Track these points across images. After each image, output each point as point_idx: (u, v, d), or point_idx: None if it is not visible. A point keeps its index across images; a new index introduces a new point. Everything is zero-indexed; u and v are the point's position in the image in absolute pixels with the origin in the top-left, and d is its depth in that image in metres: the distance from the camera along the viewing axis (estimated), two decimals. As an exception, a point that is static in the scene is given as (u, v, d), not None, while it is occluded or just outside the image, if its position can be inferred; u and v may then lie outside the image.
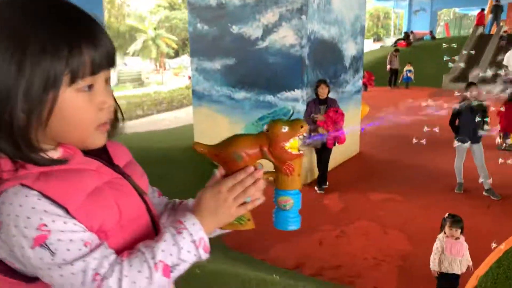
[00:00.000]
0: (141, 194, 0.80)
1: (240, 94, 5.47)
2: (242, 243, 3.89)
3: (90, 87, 0.68)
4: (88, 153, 0.75)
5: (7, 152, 0.65)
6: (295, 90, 5.05)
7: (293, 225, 0.87)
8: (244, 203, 0.79)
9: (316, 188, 5.12)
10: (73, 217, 0.66)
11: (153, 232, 0.80)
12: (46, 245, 0.63)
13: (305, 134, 0.82)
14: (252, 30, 5.20)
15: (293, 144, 0.80)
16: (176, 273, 0.71)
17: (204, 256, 0.75)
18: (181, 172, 5.20)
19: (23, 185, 0.64)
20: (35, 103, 0.64)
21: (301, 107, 4.98)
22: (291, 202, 0.84)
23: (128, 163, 0.84)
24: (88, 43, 0.65)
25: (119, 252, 0.70)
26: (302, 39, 4.89)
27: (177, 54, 33.27)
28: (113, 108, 0.75)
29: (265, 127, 0.81)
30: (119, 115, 0.80)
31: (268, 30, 5.09)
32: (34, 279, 0.69)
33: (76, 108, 0.67)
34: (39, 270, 0.65)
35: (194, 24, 5.71)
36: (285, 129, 0.79)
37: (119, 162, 0.81)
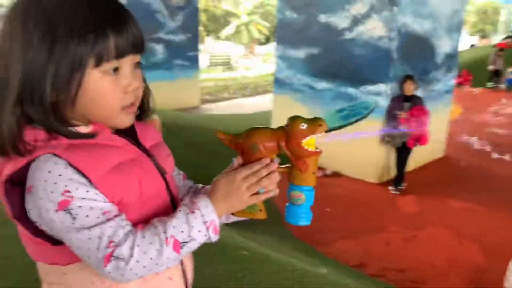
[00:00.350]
0: (162, 173, 0.85)
1: (321, 84, 5.41)
2: (307, 233, 3.90)
3: (116, 70, 0.73)
4: (117, 132, 0.81)
5: (42, 124, 0.71)
6: (379, 84, 4.87)
7: (304, 221, 0.87)
8: (257, 193, 0.82)
9: (391, 188, 4.94)
10: (95, 187, 0.71)
11: (171, 210, 0.84)
12: (68, 209, 0.69)
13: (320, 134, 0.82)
14: (340, 20, 5.09)
15: (310, 142, 0.81)
16: (186, 250, 0.75)
17: (214, 238, 0.78)
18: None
19: (53, 154, 0.70)
20: (63, 83, 0.70)
21: (384, 102, 4.79)
22: (303, 198, 0.85)
23: (155, 144, 0.88)
24: (114, 29, 0.70)
25: (136, 225, 0.75)
26: (391, 32, 4.69)
27: (267, 40, 33.56)
28: (141, 91, 0.79)
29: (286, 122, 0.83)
30: (150, 99, 0.86)
31: (356, 21, 4.95)
32: (59, 242, 0.74)
33: (102, 90, 0.72)
34: (61, 232, 0.71)
35: (283, 11, 5.72)
36: (304, 126, 0.80)
37: (145, 142, 0.85)
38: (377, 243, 3.77)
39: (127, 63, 0.74)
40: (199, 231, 0.76)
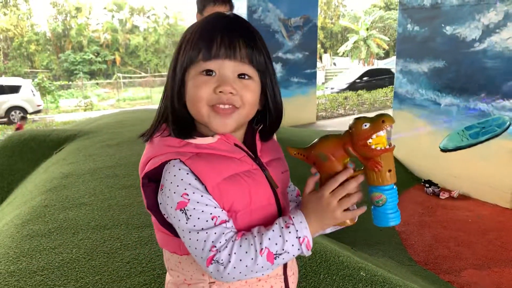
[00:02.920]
0: (273, 187, 0.90)
1: (447, 100, 5.06)
2: (429, 259, 3.65)
3: (210, 73, 0.82)
4: (243, 142, 0.91)
5: (173, 131, 0.85)
6: (516, 99, 4.40)
7: (393, 221, 0.83)
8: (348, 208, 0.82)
9: (530, 214, 4.38)
10: (210, 194, 0.80)
11: None
12: (184, 210, 0.79)
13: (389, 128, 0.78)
14: (469, 31, 4.73)
15: (379, 140, 0.78)
16: (280, 261, 0.80)
17: (307, 253, 0.82)
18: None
19: (180, 160, 0.81)
20: (178, 85, 0.85)
21: (521, 119, 4.30)
22: (384, 198, 0.82)
23: (273, 159, 0.94)
24: (209, 38, 0.82)
25: (240, 231, 0.83)
26: (531, 41, 4.22)
27: (387, 54, 32.47)
28: (237, 98, 0.83)
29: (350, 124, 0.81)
30: (272, 114, 0.92)
31: (488, 31, 4.56)
32: None
33: (193, 87, 0.83)
34: (177, 228, 0.82)
35: (404, 24, 5.52)
36: (366, 125, 0.78)
37: (264, 156, 0.92)
38: (512, 277, 3.37)
39: (225, 68, 0.82)
40: (292, 245, 0.80)
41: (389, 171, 0.81)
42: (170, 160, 0.82)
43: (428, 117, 5.29)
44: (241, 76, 0.83)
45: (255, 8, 8.14)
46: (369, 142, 0.79)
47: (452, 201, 4.88)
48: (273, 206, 0.89)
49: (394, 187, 0.83)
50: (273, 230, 0.80)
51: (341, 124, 10.10)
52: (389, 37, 30.90)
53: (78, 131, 5.43)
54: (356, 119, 0.82)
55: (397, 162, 5.70)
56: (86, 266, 2.20)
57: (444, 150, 5.02)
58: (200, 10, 2.14)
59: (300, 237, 0.80)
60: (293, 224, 0.81)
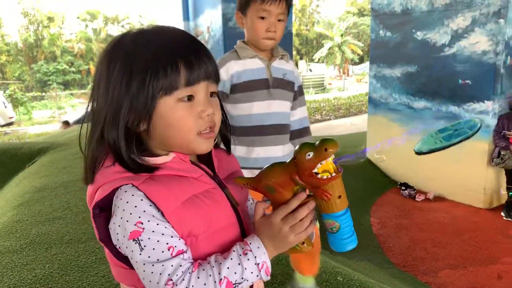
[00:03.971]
0: (234, 205, 0.87)
1: (420, 104, 5.17)
2: (407, 261, 3.70)
3: (190, 98, 0.79)
4: (198, 158, 0.87)
5: (119, 153, 0.77)
6: (485, 101, 4.52)
7: (349, 245, 0.82)
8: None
9: (503, 214, 4.49)
10: (167, 220, 0.75)
11: (241, 240, 0.85)
12: (138, 240, 0.74)
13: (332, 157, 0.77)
14: (439, 36, 4.86)
15: (325, 167, 0.76)
16: None
17: (266, 278, 0.80)
18: (351, 179, 5.20)
19: (133, 185, 0.75)
20: (140, 114, 0.77)
21: (491, 121, 4.43)
22: (337, 225, 0.80)
23: (231, 174, 0.91)
24: (184, 60, 0.77)
25: (205, 256, 0.79)
26: (497, 45, 4.35)
27: (362, 60, 33.00)
28: (218, 117, 0.83)
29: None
30: (226, 127, 0.90)
31: (457, 36, 4.68)
32: None
33: (176, 116, 0.78)
34: (131, 259, 0.77)
35: (377, 30, 5.63)
36: (310, 155, 0.76)
37: (221, 172, 0.89)
38: (487, 276, 3.44)
39: (201, 91, 0.80)
40: (252, 272, 0.77)
41: (339, 197, 0.79)
42: (121, 186, 0.76)
43: (402, 121, 5.39)
44: (212, 94, 0.83)
45: (230, 16, 8.16)
46: (315, 172, 0.76)
47: (428, 203, 4.96)
48: (235, 226, 0.86)
49: (347, 211, 0.81)
50: (231, 259, 0.77)
51: (317, 131, 10.19)
52: (363, 43, 31.44)
53: (51, 143, 5.33)
54: (300, 147, 0.79)
55: (373, 165, 5.78)
56: (60, 281, 2.14)
57: (419, 153, 5.11)
58: (242, 8, 1.74)
59: (259, 263, 0.78)
60: (250, 250, 0.78)
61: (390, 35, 5.44)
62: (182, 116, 0.78)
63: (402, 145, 5.34)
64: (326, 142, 0.76)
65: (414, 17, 5.10)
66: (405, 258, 3.74)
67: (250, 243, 0.79)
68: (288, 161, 0.81)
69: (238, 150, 1.73)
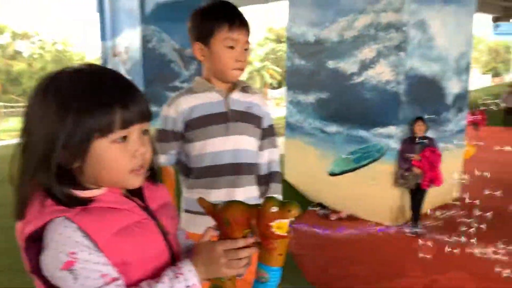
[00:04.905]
0: (165, 234, 0.91)
1: (332, 128, 5.47)
2: (323, 279, 3.83)
3: (124, 138, 0.82)
4: (129, 192, 0.88)
5: (52, 189, 0.78)
6: (389, 126, 4.91)
7: None
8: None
9: (407, 230, 4.85)
10: (100, 251, 0.78)
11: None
12: (71, 270, 0.76)
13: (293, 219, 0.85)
14: (349, 66, 5.22)
15: (281, 225, 0.84)
16: None
17: None
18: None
19: (66, 217, 0.78)
20: (73, 152, 0.79)
21: (395, 145, 4.81)
22: (267, 277, 0.87)
23: (162, 205, 0.95)
24: (120, 103, 0.80)
25: (137, 282, 0.82)
26: (398, 76, 4.78)
27: (280, 85, 34.15)
28: (149, 155, 0.87)
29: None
30: (155, 161, 0.93)
31: (364, 66, 5.07)
32: None
33: (110, 156, 0.81)
34: None
35: (292, 58, 5.90)
36: (275, 209, 0.83)
37: (153, 203, 0.93)
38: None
39: (134, 131, 0.83)
40: None
41: (280, 255, 0.87)
42: (54, 219, 0.78)
43: (317, 144, 5.65)
44: (144, 132, 0.85)
45: (149, 38, 8.07)
46: (272, 225, 0.83)
47: (341, 222, 5.20)
48: (165, 255, 0.90)
49: (280, 270, 0.88)
50: (163, 282, 0.82)
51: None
52: (281, 68, 32.65)
53: None
54: (268, 199, 0.86)
55: (291, 187, 5.96)
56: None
57: (332, 174, 5.38)
58: (204, 38, 1.56)
59: (189, 286, 0.83)
60: (182, 273, 0.83)
61: (304, 63, 5.73)
62: (116, 156, 0.81)
63: (317, 166, 5.59)
64: (292, 205, 0.84)
65: (326, 47, 5.43)
66: (322, 277, 3.87)
67: (182, 266, 0.84)
68: (254, 204, 0.87)
69: (196, 193, 1.59)
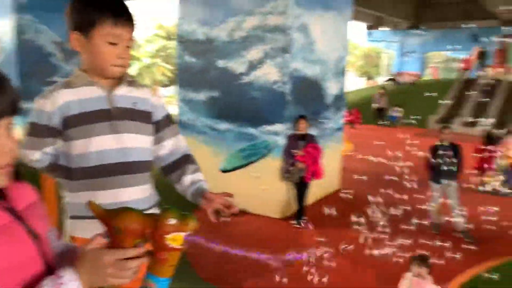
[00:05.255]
0: (35, 238, 0.83)
1: (223, 126, 5.58)
2: (215, 274, 3.89)
3: None
4: None
5: None
6: (276, 124, 5.17)
7: None
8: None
9: (293, 222, 5.16)
10: None
11: (44, 275, 0.83)
12: None
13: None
14: (237, 65, 5.37)
15: (176, 237, 0.83)
16: None
17: None
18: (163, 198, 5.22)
19: None
20: None
21: (282, 141, 5.08)
22: (154, 287, 0.86)
23: (29, 205, 0.87)
24: None
25: None
26: (284, 76, 5.06)
27: (171, 83, 33.59)
28: (16, 152, 0.80)
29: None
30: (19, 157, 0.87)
31: (252, 66, 5.26)
32: None
33: None
34: None
35: (183, 55, 5.88)
36: (172, 221, 0.83)
37: (19, 204, 0.84)
38: (289, 279, 3.88)
39: (2, 125, 0.77)
40: None
41: (171, 266, 0.86)
42: None
43: (209, 142, 5.71)
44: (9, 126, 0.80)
45: (24, 29, 7.38)
46: (167, 237, 0.82)
47: (233, 217, 5.33)
48: (36, 259, 0.82)
49: (168, 281, 0.87)
50: None
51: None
52: (172, 66, 32.11)
53: None
54: (168, 210, 0.83)
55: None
56: None
57: (224, 171, 5.49)
58: (83, 28, 1.43)
59: None
60: (62, 283, 0.78)
61: (194, 61, 5.75)
62: None
63: (210, 164, 5.65)
64: (191, 218, 0.84)
65: (216, 46, 5.52)
66: (212, 271, 3.93)
67: (63, 276, 0.78)
68: (150, 213, 0.85)
69: (81, 196, 1.45)
